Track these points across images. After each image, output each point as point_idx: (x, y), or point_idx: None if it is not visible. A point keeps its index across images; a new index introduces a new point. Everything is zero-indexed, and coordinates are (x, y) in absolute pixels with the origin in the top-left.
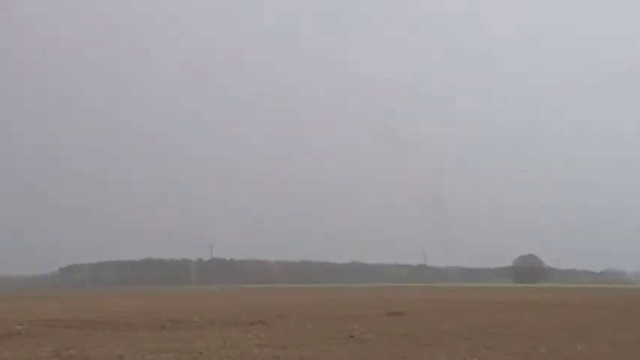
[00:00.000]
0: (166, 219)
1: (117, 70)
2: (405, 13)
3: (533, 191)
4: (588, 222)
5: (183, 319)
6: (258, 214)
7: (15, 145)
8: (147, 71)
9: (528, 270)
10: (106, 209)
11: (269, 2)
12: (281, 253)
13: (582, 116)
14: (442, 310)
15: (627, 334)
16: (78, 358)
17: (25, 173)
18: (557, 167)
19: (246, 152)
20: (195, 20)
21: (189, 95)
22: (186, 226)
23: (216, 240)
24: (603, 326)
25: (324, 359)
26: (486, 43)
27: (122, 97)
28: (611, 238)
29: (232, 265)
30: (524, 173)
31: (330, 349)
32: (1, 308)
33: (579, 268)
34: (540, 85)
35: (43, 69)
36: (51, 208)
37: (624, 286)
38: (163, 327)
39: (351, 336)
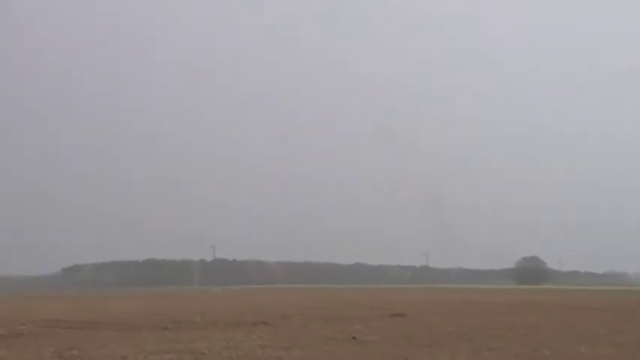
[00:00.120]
0: (168, 219)
1: (117, 70)
2: (405, 13)
3: (534, 192)
4: (590, 223)
5: (186, 319)
6: (260, 215)
7: (15, 145)
8: (147, 71)
9: (531, 272)
10: (108, 210)
11: (269, 2)
12: (283, 254)
13: (582, 116)
14: (444, 311)
15: (630, 335)
16: (80, 359)
17: (27, 173)
18: (557, 167)
19: (246, 152)
20: (195, 20)
21: (189, 95)
22: (188, 227)
23: (218, 240)
24: (606, 328)
25: None
26: (486, 43)
27: (122, 97)
28: (613, 239)
29: (235, 265)
30: (524, 173)
31: (332, 350)
32: (4, 308)
33: (582, 270)
34: (540, 85)
35: (43, 69)
36: (54, 209)
37: (626, 287)
38: (166, 328)
39: (354, 337)
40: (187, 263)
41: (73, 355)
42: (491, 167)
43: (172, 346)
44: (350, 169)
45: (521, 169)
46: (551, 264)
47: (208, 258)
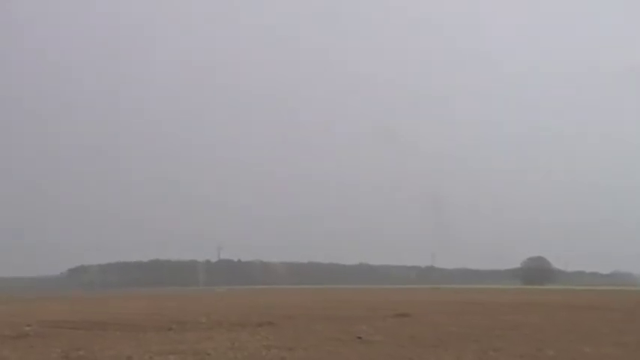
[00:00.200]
0: (173, 220)
1: (117, 70)
2: (405, 13)
3: (535, 192)
4: (594, 223)
5: (191, 320)
6: (263, 215)
7: (15, 145)
8: (147, 71)
9: (536, 272)
10: (113, 211)
11: (269, 2)
12: (287, 255)
13: (582, 116)
14: (449, 311)
15: (634, 335)
16: (87, 359)
17: (29, 174)
18: (557, 167)
19: (246, 152)
20: (195, 20)
21: (189, 95)
22: (193, 228)
23: (223, 241)
24: (610, 328)
25: None
26: (486, 43)
27: (122, 97)
28: (617, 239)
29: (239, 266)
30: (524, 173)
31: (337, 350)
32: (9, 309)
33: (587, 270)
34: (540, 85)
35: (43, 69)
36: (58, 210)
37: (632, 288)
38: (171, 328)
39: (359, 337)
40: (192, 264)
41: (79, 356)
42: (491, 167)
43: (177, 346)
44: (350, 169)
45: (522, 169)
46: (556, 264)
47: (213, 259)
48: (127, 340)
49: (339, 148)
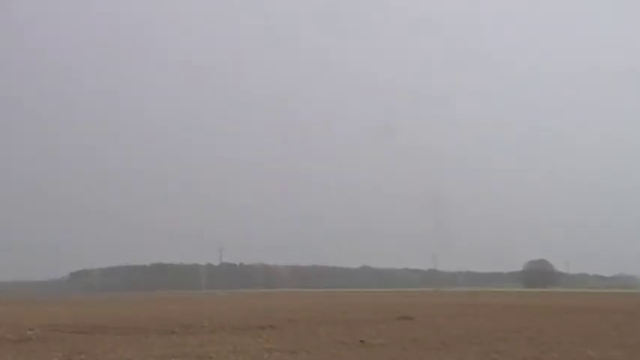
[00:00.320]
0: (174, 222)
1: (117, 70)
2: (405, 13)
3: (536, 192)
4: (596, 224)
5: (193, 323)
6: (264, 217)
7: (15, 145)
8: (147, 71)
9: (538, 275)
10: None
11: (269, 2)
12: (290, 257)
13: (582, 116)
14: (452, 314)
15: (638, 338)
16: None
17: (28, 174)
18: (558, 167)
19: (246, 152)
20: (195, 20)
21: (189, 95)
22: (194, 228)
23: (224, 243)
24: (614, 330)
25: None
26: (486, 43)
27: (122, 97)
28: (620, 241)
29: (241, 269)
30: (524, 173)
31: (339, 353)
32: (11, 313)
33: (590, 273)
34: (540, 85)
35: (43, 69)
36: (58, 211)
37: (635, 290)
38: (173, 332)
39: (362, 341)
40: (194, 267)
41: None
42: (491, 167)
43: (179, 350)
44: (350, 169)
45: (522, 169)
46: (559, 267)
47: (215, 262)
48: (128, 344)
49: (339, 148)
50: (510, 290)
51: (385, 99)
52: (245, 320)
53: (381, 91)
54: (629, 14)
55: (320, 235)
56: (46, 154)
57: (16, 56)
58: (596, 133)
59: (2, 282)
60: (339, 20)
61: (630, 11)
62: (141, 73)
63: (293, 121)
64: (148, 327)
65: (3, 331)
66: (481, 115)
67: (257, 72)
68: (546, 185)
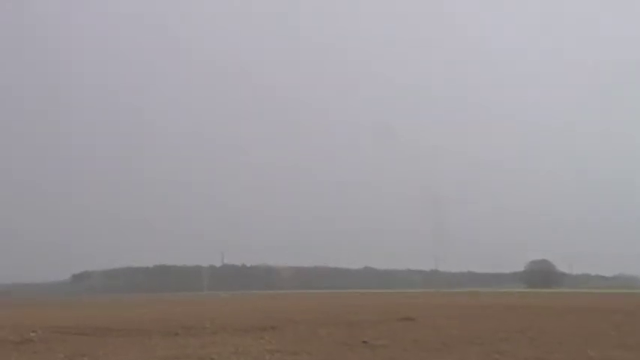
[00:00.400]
0: (176, 223)
1: (117, 70)
2: (405, 12)
3: (537, 193)
4: (598, 224)
5: (195, 325)
6: (265, 217)
7: (15, 145)
8: (147, 71)
9: (540, 275)
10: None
11: (269, 2)
12: (292, 259)
13: (582, 116)
14: (453, 315)
15: (639, 338)
16: None
17: (28, 174)
18: (558, 167)
19: (246, 152)
20: (195, 20)
21: (190, 95)
22: (195, 229)
23: (226, 245)
24: (616, 331)
25: None
26: (486, 42)
27: (122, 97)
28: (620, 240)
29: (244, 271)
30: (525, 173)
31: (342, 354)
32: (14, 315)
33: (592, 273)
34: (540, 85)
35: (43, 69)
36: (58, 213)
37: (636, 290)
38: (176, 333)
39: (364, 342)
40: (197, 269)
41: None
42: (491, 167)
43: (182, 351)
44: (350, 169)
45: (523, 169)
46: (561, 267)
47: (217, 263)
48: (131, 346)
49: (339, 148)
50: (512, 290)
51: (385, 99)
52: (247, 321)
53: (381, 91)
54: (629, 14)
55: (321, 236)
56: (47, 154)
57: (17, 56)
58: (597, 133)
59: (4, 284)
60: (339, 20)
61: (630, 11)
62: (141, 73)
63: (293, 121)
64: (150, 329)
65: (5, 333)
66: (481, 114)
67: (257, 72)
68: (547, 185)
